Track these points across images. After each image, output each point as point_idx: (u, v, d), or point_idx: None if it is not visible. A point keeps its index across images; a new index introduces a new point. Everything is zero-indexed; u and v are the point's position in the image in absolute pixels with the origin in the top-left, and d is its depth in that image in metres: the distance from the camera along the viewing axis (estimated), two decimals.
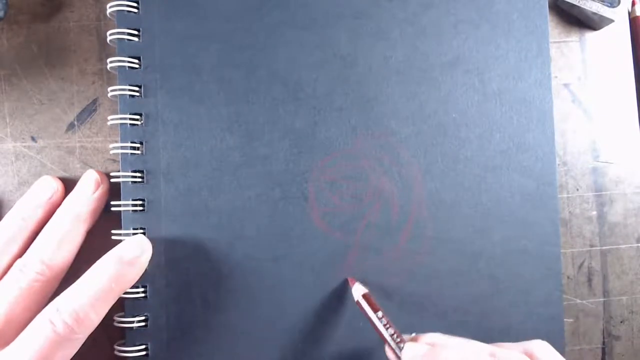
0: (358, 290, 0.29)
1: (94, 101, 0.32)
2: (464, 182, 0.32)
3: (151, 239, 0.29)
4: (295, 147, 0.31)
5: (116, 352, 0.29)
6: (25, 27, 0.32)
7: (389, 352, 0.27)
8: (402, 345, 0.26)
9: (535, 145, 0.32)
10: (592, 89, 0.35)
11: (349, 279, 0.30)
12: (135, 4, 0.30)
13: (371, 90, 0.31)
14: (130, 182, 0.30)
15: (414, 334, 0.27)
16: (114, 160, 0.32)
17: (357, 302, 0.29)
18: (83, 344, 0.26)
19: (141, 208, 0.30)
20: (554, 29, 0.35)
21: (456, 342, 0.25)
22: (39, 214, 0.29)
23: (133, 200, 0.30)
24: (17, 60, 0.32)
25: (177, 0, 0.30)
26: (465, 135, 0.32)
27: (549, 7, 0.33)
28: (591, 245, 0.35)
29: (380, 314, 0.27)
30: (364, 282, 0.30)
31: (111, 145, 0.30)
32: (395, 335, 0.26)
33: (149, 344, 0.29)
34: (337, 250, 0.31)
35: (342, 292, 0.31)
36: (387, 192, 0.31)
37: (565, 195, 0.35)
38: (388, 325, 0.27)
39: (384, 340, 0.26)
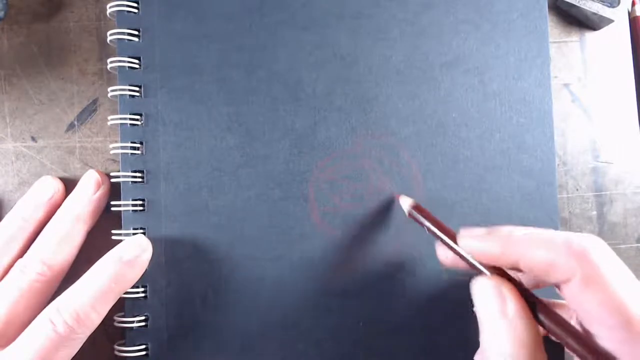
0: (405, 203, 0.29)
1: (94, 101, 0.32)
2: (464, 182, 0.32)
3: (151, 239, 0.29)
4: (295, 147, 0.31)
5: (116, 352, 0.29)
6: (25, 27, 0.32)
7: (442, 253, 0.26)
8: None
9: (535, 145, 0.32)
10: (592, 89, 0.35)
11: (395, 195, 0.31)
12: (135, 4, 0.30)
13: (371, 90, 0.31)
14: (130, 182, 0.30)
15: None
16: (114, 160, 0.32)
17: (408, 214, 0.29)
18: (83, 344, 0.26)
19: (141, 208, 0.30)
20: (554, 29, 0.35)
21: (510, 226, 0.24)
22: (39, 214, 0.29)
23: (133, 200, 0.30)
24: (17, 60, 0.32)
25: (177, 0, 0.30)
26: (465, 135, 0.32)
27: (549, 7, 0.33)
28: None
29: (430, 218, 0.27)
30: (358, 283, 0.30)
31: (111, 145, 0.30)
32: (449, 233, 0.25)
33: (149, 344, 0.29)
34: (337, 250, 0.31)
35: (342, 292, 0.31)
36: (387, 192, 0.31)
37: (565, 195, 0.35)
38: (441, 228, 0.26)
39: (438, 238, 0.26)
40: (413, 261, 0.31)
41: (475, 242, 0.23)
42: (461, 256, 0.24)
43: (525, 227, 0.24)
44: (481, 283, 0.23)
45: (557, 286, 0.22)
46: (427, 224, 0.27)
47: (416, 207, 0.28)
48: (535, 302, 0.22)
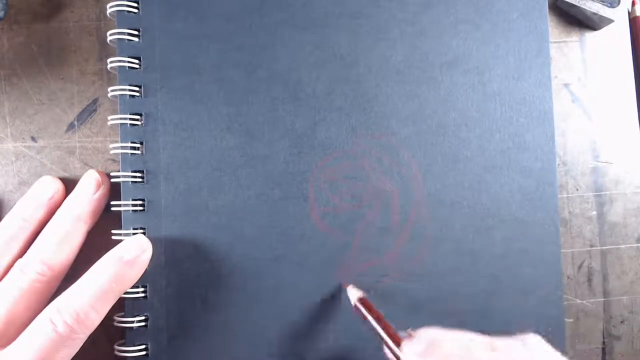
0: (353, 295, 0.29)
1: (94, 101, 0.32)
2: (464, 182, 0.32)
3: (151, 239, 0.29)
4: (295, 147, 0.31)
5: (116, 352, 0.29)
6: (25, 27, 0.32)
7: (388, 353, 0.26)
8: (400, 346, 0.25)
9: (535, 145, 0.32)
10: (592, 89, 0.35)
11: (343, 284, 0.30)
12: (135, 4, 0.30)
13: (371, 90, 0.31)
14: (130, 182, 0.30)
15: (409, 329, 0.27)
16: (114, 160, 0.32)
17: (354, 306, 0.29)
18: (83, 344, 0.26)
19: (141, 208, 0.30)
20: (554, 29, 0.35)
21: (454, 336, 0.25)
22: (39, 214, 0.29)
23: (133, 200, 0.30)
24: (17, 60, 0.32)
25: (177, 0, 0.30)
26: (465, 135, 0.32)
27: (549, 7, 0.33)
28: (591, 245, 0.35)
29: (376, 316, 0.27)
30: (357, 283, 0.30)
31: (111, 145, 0.30)
32: (393, 336, 0.26)
33: (149, 344, 0.29)
34: (337, 250, 0.31)
35: (341, 292, 0.31)
36: (387, 192, 0.31)
37: (565, 195, 0.35)
38: (385, 327, 0.27)
39: (384, 342, 0.26)
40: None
41: None
42: None
43: (473, 338, 0.25)
44: None
45: None
46: (373, 323, 0.27)
47: (362, 301, 0.28)
48: None
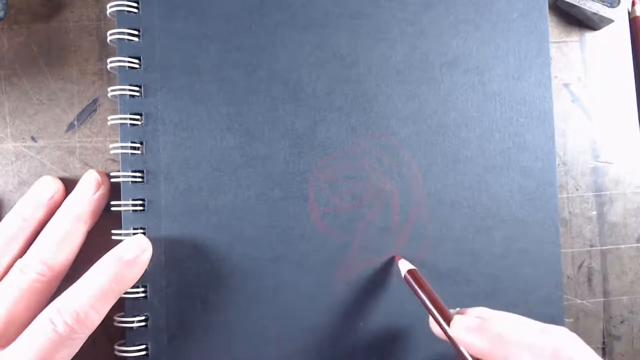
0: (404, 266, 0.29)
1: (94, 101, 0.32)
2: (464, 182, 0.32)
3: (151, 239, 0.29)
4: (295, 147, 0.31)
5: (116, 352, 0.29)
6: (25, 27, 0.32)
7: (434, 326, 0.26)
8: (449, 321, 0.25)
9: (535, 145, 0.32)
10: (592, 89, 0.35)
11: (396, 257, 0.31)
12: (135, 4, 0.30)
13: (371, 90, 0.31)
14: (130, 182, 0.30)
15: (458, 309, 0.26)
16: (114, 160, 0.32)
17: (405, 277, 0.29)
18: (83, 344, 0.26)
19: (141, 208, 0.30)
20: (554, 29, 0.35)
21: (504, 315, 0.25)
22: (39, 214, 0.29)
23: (133, 200, 0.30)
24: (17, 60, 0.32)
25: (177, 0, 0.30)
26: (465, 135, 0.32)
27: (549, 7, 0.33)
28: (591, 245, 0.35)
29: (425, 289, 0.27)
30: (357, 283, 0.30)
31: (111, 145, 0.30)
32: (442, 311, 0.26)
33: (149, 344, 0.29)
34: (337, 250, 0.31)
35: (341, 292, 0.31)
36: (387, 192, 0.31)
37: (565, 195, 0.35)
38: (434, 302, 0.26)
39: (431, 314, 0.26)
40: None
41: (467, 335, 0.24)
42: (451, 339, 0.25)
43: (522, 319, 0.25)
44: None
45: None
46: (423, 296, 0.27)
47: (412, 274, 0.28)
48: None
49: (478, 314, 0.25)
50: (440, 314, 0.26)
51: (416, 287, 0.27)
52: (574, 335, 0.24)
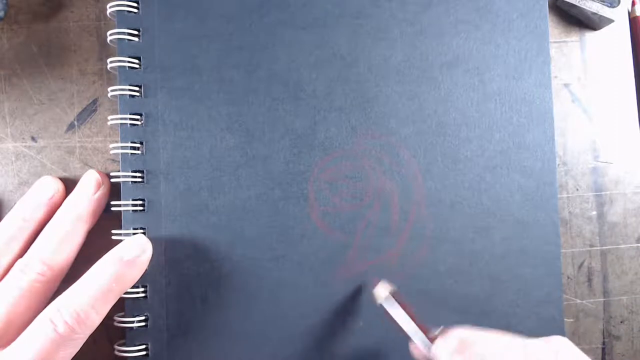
0: (384, 289, 0.28)
1: (94, 101, 0.32)
2: (464, 182, 0.32)
3: (151, 239, 0.29)
4: (295, 147, 0.31)
5: (116, 352, 0.29)
6: (25, 27, 0.32)
7: (414, 350, 0.26)
8: (430, 342, 0.25)
9: (535, 145, 0.32)
10: (592, 89, 0.35)
11: (374, 280, 0.30)
12: (135, 4, 0.30)
13: (371, 90, 0.31)
14: (130, 182, 0.30)
15: (442, 327, 0.26)
16: (114, 160, 0.32)
17: (380, 304, 0.28)
18: (83, 344, 0.26)
19: (141, 208, 0.30)
20: (554, 29, 0.35)
21: (486, 336, 0.25)
22: (39, 214, 0.29)
23: (133, 200, 0.30)
24: (17, 60, 0.32)
25: (177, 0, 0.30)
26: (465, 135, 0.32)
27: (549, 7, 0.33)
28: (591, 245, 0.35)
29: (407, 311, 0.27)
30: (357, 282, 0.30)
31: (111, 145, 0.30)
32: (425, 333, 0.26)
33: (149, 344, 0.29)
34: (337, 250, 0.31)
35: (341, 292, 0.31)
36: (387, 192, 0.31)
37: (565, 195, 0.35)
38: (417, 324, 0.26)
39: (409, 338, 0.26)
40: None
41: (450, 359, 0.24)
42: None
43: (506, 340, 0.25)
44: None
45: None
46: (403, 318, 0.27)
47: (393, 295, 0.28)
48: None
49: (460, 335, 0.25)
50: (423, 335, 0.26)
51: (393, 312, 0.27)
52: (565, 344, 0.24)
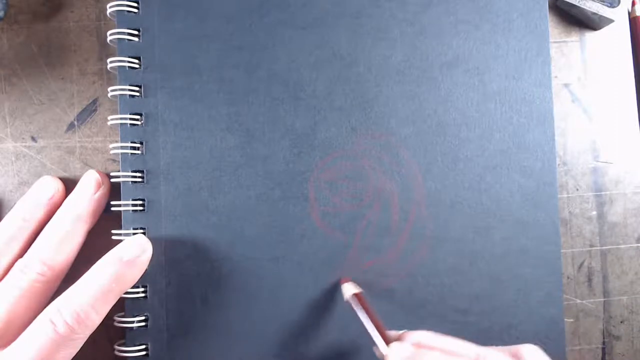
0: (349, 290, 0.29)
1: (94, 101, 0.32)
2: (464, 182, 0.32)
3: (151, 239, 0.29)
4: (295, 147, 0.31)
5: (116, 352, 0.29)
6: (25, 27, 0.32)
7: (377, 352, 0.26)
8: (387, 345, 0.25)
9: (535, 145, 0.32)
10: (592, 89, 0.35)
11: (341, 280, 0.30)
12: (135, 4, 0.30)
13: (371, 90, 0.31)
14: (130, 182, 0.30)
15: (402, 331, 0.26)
16: (114, 160, 0.32)
17: (347, 302, 0.29)
18: (83, 344, 0.26)
19: (141, 208, 0.30)
20: (554, 29, 0.35)
21: (442, 342, 0.25)
22: (39, 214, 0.29)
23: (133, 200, 0.30)
24: (17, 60, 0.32)
25: (177, 0, 0.30)
26: (465, 135, 0.32)
27: (549, 7, 0.33)
28: (591, 245, 0.35)
29: (368, 313, 0.27)
30: (357, 282, 0.30)
31: (111, 145, 0.30)
32: (383, 336, 0.26)
33: (149, 344, 0.30)
34: (337, 250, 0.31)
35: (341, 292, 0.31)
36: (387, 192, 0.31)
37: (565, 195, 0.35)
38: (377, 326, 0.26)
39: (372, 341, 0.26)
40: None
41: None
42: None
43: (461, 347, 0.25)
44: None
45: None
46: (364, 320, 0.27)
47: (357, 297, 0.28)
48: None
49: (417, 340, 0.25)
50: (381, 338, 0.26)
51: (358, 310, 0.27)
52: (532, 354, 0.24)
